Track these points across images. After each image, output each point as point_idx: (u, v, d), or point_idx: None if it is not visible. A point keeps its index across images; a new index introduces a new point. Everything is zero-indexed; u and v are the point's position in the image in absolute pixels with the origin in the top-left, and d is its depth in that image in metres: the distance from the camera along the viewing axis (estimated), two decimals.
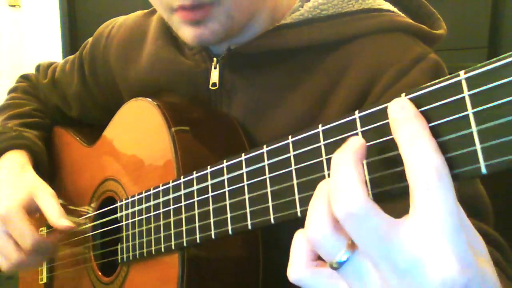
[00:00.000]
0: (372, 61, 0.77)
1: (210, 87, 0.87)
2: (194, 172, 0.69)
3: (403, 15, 0.83)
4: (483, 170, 0.36)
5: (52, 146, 1.16)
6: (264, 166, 0.56)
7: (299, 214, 0.52)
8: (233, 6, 0.75)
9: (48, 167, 1.11)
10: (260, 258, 0.78)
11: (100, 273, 0.94)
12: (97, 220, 0.97)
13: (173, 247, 0.72)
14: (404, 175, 0.39)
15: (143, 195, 0.80)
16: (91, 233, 0.97)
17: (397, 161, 0.42)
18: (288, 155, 0.53)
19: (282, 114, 0.81)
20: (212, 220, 0.65)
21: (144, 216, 0.79)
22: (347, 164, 0.41)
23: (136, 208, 0.81)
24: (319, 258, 0.44)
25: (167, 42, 0.94)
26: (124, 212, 0.85)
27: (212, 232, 0.65)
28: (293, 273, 0.46)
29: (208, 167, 0.66)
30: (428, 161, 0.38)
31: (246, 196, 0.59)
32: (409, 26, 0.80)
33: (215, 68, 0.87)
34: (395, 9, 0.83)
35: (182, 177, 0.71)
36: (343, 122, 0.48)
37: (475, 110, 0.36)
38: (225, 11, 0.75)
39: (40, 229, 1.07)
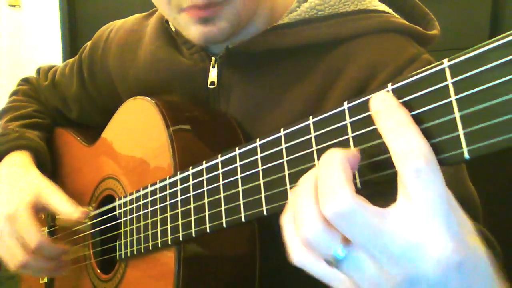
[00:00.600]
0: (368, 61, 0.78)
1: (208, 86, 0.88)
2: (190, 168, 0.69)
3: (397, 16, 0.84)
4: (466, 155, 0.37)
5: (53, 146, 1.17)
6: (257, 159, 0.57)
7: None
8: (242, 5, 0.76)
9: (50, 165, 1.12)
10: (256, 253, 0.78)
11: (99, 271, 0.95)
12: (96, 218, 0.97)
13: (169, 242, 0.73)
14: (390, 162, 0.40)
15: (141, 192, 0.80)
16: (91, 231, 0.98)
17: (384, 148, 0.42)
18: (280, 147, 0.54)
19: (280, 113, 0.82)
20: (207, 214, 0.66)
21: (142, 212, 0.80)
22: (335, 164, 0.42)
23: (134, 205, 0.82)
24: None
25: (166, 42, 0.95)
26: (122, 209, 0.86)
27: (207, 226, 0.66)
28: (294, 257, 0.47)
29: (204, 162, 0.67)
30: (415, 147, 0.39)
31: (240, 189, 0.60)
32: (404, 27, 0.81)
33: (213, 67, 0.88)
34: (390, 10, 0.84)
35: (178, 173, 0.72)
36: (332, 114, 0.48)
37: (458, 96, 0.37)
38: (234, 10, 0.76)
39: (42, 228, 1.07)
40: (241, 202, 0.60)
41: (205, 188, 0.66)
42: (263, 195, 0.56)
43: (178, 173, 0.72)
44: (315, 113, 0.80)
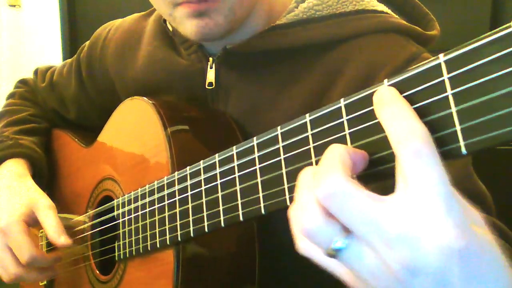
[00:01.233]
0: (367, 61, 0.78)
1: (206, 86, 0.88)
2: (188, 168, 0.69)
3: (396, 16, 0.84)
4: (463, 150, 0.37)
5: (51, 148, 1.17)
6: (254, 157, 0.57)
7: (288, 202, 0.53)
8: (236, 1, 0.76)
9: (47, 170, 1.11)
10: (256, 252, 0.78)
11: (98, 272, 0.95)
12: (95, 219, 0.97)
13: (168, 242, 0.73)
14: (386, 158, 0.40)
15: (139, 192, 0.80)
16: (89, 232, 0.98)
17: (381, 144, 0.43)
18: (277, 145, 0.54)
19: (278, 113, 0.82)
20: (205, 213, 0.65)
21: (140, 213, 0.80)
22: (333, 154, 0.42)
23: (133, 206, 0.82)
24: None
25: (164, 42, 0.95)
26: (120, 210, 0.86)
27: (205, 224, 0.65)
28: (299, 247, 0.46)
29: (201, 161, 0.67)
30: (414, 129, 0.38)
31: (238, 188, 0.60)
32: (403, 26, 0.81)
33: (211, 67, 0.88)
34: (389, 10, 0.84)
35: (176, 173, 0.72)
36: (329, 111, 0.48)
37: (454, 91, 0.37)
38: (229, 6, 0.76)
39: (40, 230, 1.07)
40: (239, 201, 0.59)
41: (203, 188, 0.66)
42: (260, 194, 0.56)
43: (176, 173, 0.72)
44: None
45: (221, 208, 0.62)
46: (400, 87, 0.41)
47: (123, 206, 0.85)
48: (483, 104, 0.35)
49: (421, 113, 0.39)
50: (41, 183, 1.03)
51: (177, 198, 0.71)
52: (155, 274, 0.78)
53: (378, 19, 0.81)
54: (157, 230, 0.75)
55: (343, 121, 0.47)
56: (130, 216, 0.82)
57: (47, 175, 1.10)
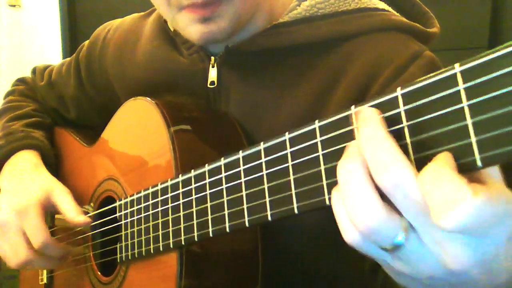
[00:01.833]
0: (370, 59, 0.78)
1: (208, 86, 0.88)
2: (192, 171, 0.69)
3: (397, 14, 0.84)
4: (479, 163, 0.36)
5: (53, 146, 1.16)
6: (261, 163, 0.57)
7: (295, 210, 0.52)
8: (242, 4, 0.76)
9: (55, 165, 1.12)
10: (259, 253, 0.78)
11: (99, 273, 0.94)
12: (96, 220, 0.96)
13: (171, 246, 0.72)
14: None
15: (142, 194, 0.80)
16: (91, 233, 0.97)
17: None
18: (285, 151, 0.53)
19: (281, 113, 0.81)
20: (210, 218, 0.65)
21: (142, 215, 0.79)
22: (382, 138, 0.41)
23: (135, 207, 0.81)
24: None
25: (164, 42, 0.95)
26: (123, 212, 0.85)
27: (210, 230, 0.65)
28: (347, 237, 0.45)
29: (206, 165, 0.66)
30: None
31: (244, 193, 0.59)
32: (405, 24, 0.81)
33: (213, 66, 0.87)
34: (390, 9, 0.84)
35: (180, 175, 0.71)
36: (339, 118, 0.48)
37: (470, 102, 0.36)
38: (234, 9, 0.76)
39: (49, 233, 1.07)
40: (245, 206, 0.59)
41: (208, 192, 0.65)
42: (267, 199, 0.56)
43: (180, 175, 0.71)
44: (317, 112, 0.81)
45: (226, 213, 0.62)
46: (414, 96, 0.41)
47: (126, 208, 0.84)
48: (500, 117, 0.34)
49: (436, 123, 0.39)
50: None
51: (181, 201, 0.70)
52: (158, 277, 0.78)
53: (380, 17, 0.81)
54: (160, 233, 0.74)
55: (353, 129, 0.46)
56: (133, 218, 0.82)
57: (55, 170, 1.10)
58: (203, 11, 0.75)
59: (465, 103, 0.37)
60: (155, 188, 0.76)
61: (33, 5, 2.78)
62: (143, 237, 0.79)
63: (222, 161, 0.63)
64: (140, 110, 0.88)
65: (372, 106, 0.44)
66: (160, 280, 0.77)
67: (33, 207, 0.92)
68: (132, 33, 1.03)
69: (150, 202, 0.77)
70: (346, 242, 0.45)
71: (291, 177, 0.53)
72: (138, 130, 0.88)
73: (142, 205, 0.79)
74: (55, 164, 1.11)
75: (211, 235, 0.65)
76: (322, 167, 0.49)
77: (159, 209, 0.75)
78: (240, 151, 0.60)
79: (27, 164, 1.01)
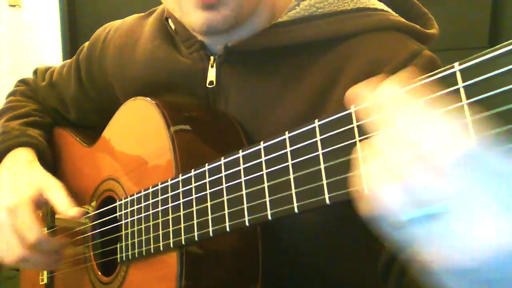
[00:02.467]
0: (369, 58, 0.78)
1: (207, 85, 0.88)
2: (192, 170, 0.69)
3: (396, 14, 0.84)
4: None
5: (52, 146, 1.16)
6: (261, 162, 0.57)
7: (296, 209, 0.52)
8: None
9: (52, 163, 1.12)
10: (259, 253, 0.78)
11: (99, 273, 0.94)
12: (96, 220, 0.96)
13: (171, 245, 0.72)
14: None
15: (142, 193, 0.80)
16: (91, 233, 0.97)
17: None
18: (285, 150, 0.54)
19: (281, 112, 0.82)
20: (210, 217, 0.65)
21: (143, 215, 0.79)
22: (433, 112, 0.38)
23: (135, 207, 0.81)
24: None
25: (165, 41, 0.95)
26: (123, 211, 0.85)
27: (210, 229, 0.65)
28: (386, 199, 0.40)
29: (206, 164, 0.66)
30: None
31: (244, 192, 0.59)
32: (403, 24, 0.82)
33: (212, 66, 0.87)
34: (389, 9, 0.84)
35: (180, 175, 0.71)
36: (338, 117, 0.48)
37: (470, 100, 0.37)
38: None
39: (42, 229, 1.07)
40: (245, 206, 0.59)
41: (208, 191, 0.65)
42: (267, 199, 0.56)
43: (180, 175, 0.71)
44: (317, 112, 0.81)
45: (226, 212, 0.62)
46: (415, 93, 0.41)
47: (126, 207, 0.84)
48: (500, 115, 0.35)
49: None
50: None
51: (181, 201, 0.70)
52: (158, 277, 0.78)
53: (379, 17, 0.81)
54: (160, 233, 0.74)
55: (353, 127, 0.46)
56: (133, 218, 0.82)
57: (52, 168, 1.10)
58: None
59: (464, 102, 0.37)
60: (155, 188, 0.76)
61: (33, 5, 2.78)
62: (143, 237, 0.79)
63: (222, 160, 0.63)
64: (140, 110, 0.88)
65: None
66: (160, 280, 0.77)
67: (25, 204, 0.92)
68: (132, 33, 1.03)
69: (150, 201, 0.77)
70: (379, 208, 0.41)
71: (291, 176, 0.53)
72: (138, 130, 0.88)
73: (142, 204, 0.79)
74: (52, 163, 1.11)
75: (211, 234, 0.65)
76: (322, 166, 0.49)
77: (159, 208, 0.75)
78: (240, 150, 0.60)
79: (20, 161, 1.02)
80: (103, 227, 0.95)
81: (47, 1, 2.58)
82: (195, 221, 0.68)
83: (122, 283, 0.86)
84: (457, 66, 0.37)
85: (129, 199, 0.84)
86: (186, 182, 0.70)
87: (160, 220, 0.75)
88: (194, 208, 0.68)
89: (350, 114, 0.47)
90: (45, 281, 1.10)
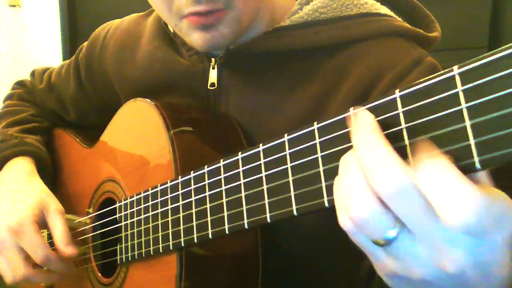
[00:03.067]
0: (371, 65, 0.78)
1: (208, 87, 0.87)
2: (192, 172, 0.69)
3: (399, 19, 0.84)
4: (478, 165, 0.36)
5: (52, 148, 1.16)
6: (260, 164, 0.57)
7: (295, 212, 0.52)
8: (243, 10, 0.76)
9: (52, 169, 1.11)
10: (259, 254, 0.78)
11: (99, 274, 0.94)
12: (96, 221, 0.96)
13: (171, 247, 0.72)
14: None
15: (142, 195, 0.80)
16: (91, 234, 0.97)
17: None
18: (284, 153, 0.53)
19: (281, 116, 0.81)
20: (209, 219, 0.65)
21: (142, 216, 0.79)
22: (377, 142, 0.41)
23: (135, 209, 0.81)
24: None
25: (164, 42, 0.95)
26: (123, 213, 0.85)
27: (210, 232, 0.65)
28: (341, 223, 0.45)
29: (206, 166, 0.66)
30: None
31: (243, 194, 0.59)
32: (406, 30, 0.81)
33: (213, 68, 0.87)
34: (392, 13, 0.84)
35: (179, 176, 0.71)
36: (337, 120, 0.48)
37: (469, 104, 0.36)
38: (236, 15, 0.75)
39: (41, 231, 1.07)
40: (244, 208, 0.59)
41: (207, 193, 0.65)
42: (266, 201, 0.56)
43: (180, 177, 0.71)
44: (317, 117, 0.80)
45: (225, 214, 0.62)
46: (412, 97, 0.41)
47: (126, 209, 0.84)
48: (499, 119, 0.34)
49: (434, 125, 0.39)
50: (46, 181, 1.02)
51: (180, 203, 0.70)
52: (158, 278, 0.78)
53: (382, 22, 0.81)
54: (160, 235, 0.74)
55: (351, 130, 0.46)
56: (133, 219, 0.82)
57: (51, 175, 1.09)
58: (205, 19, 0.74)
59: (463, 105, 0.37)
60: (155, 190, 0.76)
61: (33, 5, 2.78)
62: (143, 239, 0.79)
63: (221, 163, 0.63)
64: (140, 111, 0.88)
65: (371, 107, 0.44)
66: (160, 282, 0.77)
67: (28, 224, 0.90)
68: (132, 33, 1.02)
69: (150, 203, 0.77)
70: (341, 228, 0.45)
71: (290, 179, 0.53)
72: (138, 131, 0.88)
73: (142, 206, 0.79)
74: (52, 169, 1.10)
75: (210, 237, 0.65)
76: (321, 169, 0.49)
77: (159, 210, 0.75)
78: (239, 152, 0.60)
79: (19, 173, 1.00)
80: (103, 229, 0.95)
81: (47, 1, 2.58)
82: (194, 223, 0.68)
83: (122, 284, 0.86)
84: (456, 70, 0.37)
85: (128, 200, 0.84)
86: (185, 184, 0.69)
87: (159, 222, 0.74)
88: (194, 210, 0.68)
89: (348, 117, 0.47)
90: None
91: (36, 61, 2.48)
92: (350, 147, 0.46)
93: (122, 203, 0.86)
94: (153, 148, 0.82)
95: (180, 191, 0.70)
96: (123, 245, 0.84)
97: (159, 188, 0.75)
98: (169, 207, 0.72)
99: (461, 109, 0.37)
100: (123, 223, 0.85)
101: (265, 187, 0.56)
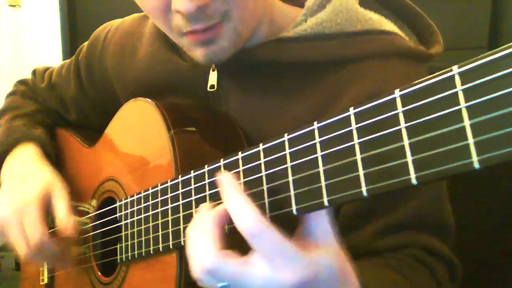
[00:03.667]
0: (369, 85, 0.78)
1: (208, 89, 0.88)
2: (192, 171, 0.69)
3: (403, 35, 0.84)
4: (476, 165, 0.36)
5: (53, 147, 1.16)
6: (260, 164, 0.57)
7: (294, 212, 0.53)
8: (240, 21, 0.76)
9: (55, 162, 1.11)
10: None
11: (99, 273, 0.94)
12: (97, 220, 0.97)
13: (171, 246, 0.72)
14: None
15: (142, 194, 0.80)
16: (91, 233, 0.97)
17: (392, 155, 0.42)
18: (284, 152, 0.54)
19: (279, 124, 0.81)
20: None
21: (142, 216, 0.79)
22: (203, 232, 0.57)
23: (135, 208, 0.81)
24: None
25: (165, 44, 0.95)
26: (123, 212, 0.85)
27: None
28: (192, 271, 0.58)
29: (206, 166, 0.66)
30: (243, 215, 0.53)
31: None
32: (407, 50, 0.81)
33: (213, 70, 0.87)
34: (396, 29, 0.84)
35: (180, 176, 0.71)
36: (338, 119, 0.48)
37: (468, 104, 0.37)
38: (234, 27, 0.75)
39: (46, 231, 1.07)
40: None
41: (207, 193, 0.65)
42: (266, 200, 0.56)
43: (180, 176, 0.71)
44: None
45: None
46: (412, 97, 0.41)
47: (126, 208, 0.84)
48: (498, 118, 0.34)
49: (433, 125, 0.39)
50: None
51: (180, 202, 0.70)
52: (158, 278, 0.78)
53: (386, 42, 0.81)
54: (160, 234, 0.74)
55: (352, 130, 0.46)
56: (133, 219, 0.82)
57: (54, 166, 1.10)
58: (204, 36, 0.75)
59: (463, 105, 0.37)
60: (155, 189, 0.76)
61: (33, 5, 2.78)
62: (143, 238, 0.79)
63: (222, 162, 0.63)
64: (141, 111, 0.88)
65: (370, 107, 0.45)
66: (160, 281, 0.77)
67: (33, 204, 0.93)
68: (133, 34, 1.02)
69: (150, 202, 0.77)
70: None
71: (290, 178, 0.53)
72: (138, 131, 0.88)
73: (142, 205, 0.79)
74: (55, 163, 1.11)
75: None
76: (321, 168, 0.49)
77: (159, 210, 0.75)
78: (239, 152, 0.60)
79: (28, 157, 1.02)
80: (103, 228, 0.95)
81: (47, 1, 2.58)
82: None
83: (121, 284, 0.86)
84: (456, 69, 0.37)
85: (129, 200, 0.84)
86: (186, 183, 0.70)
87: (159, 222, 0.75)
88: (194, 210, 0.68)
89: (349, 116, 0.47)
90: (46, 281, 1.10)
91: (36, 61, 2.48)
92: (350, 147, 0.46)
93: (123, 202, 0.86)
94: (153, 148, 0.82)
95: (180, 190, 0.70)
96: (123, 244, 0.84)
97: (159, 188, 0.75)
98: (169, 206, 0.72)
99: (460, 109, 0.37)
100: (123, 222, 0.85)
101: (265, 187, 0.56)
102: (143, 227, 0.79)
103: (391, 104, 0.43)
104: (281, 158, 0.54)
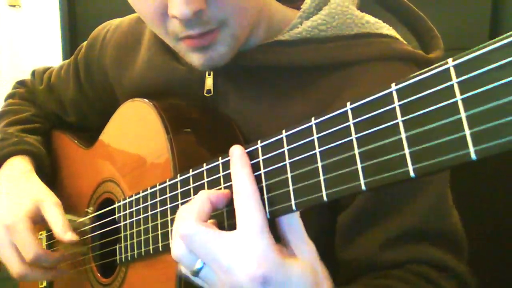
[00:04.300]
0: (367, 89, 0.76)
1: (204, 94, 0.87)
2: (190, 170, 0.69)
3: (400, 38, 0.83)
4: (473, 156, 0.36)
5: (51, 149, 1.16)
6: (259, 161, 0.57)
7: (293, 207, 0.53)
8: (238, 27, 0.75)
9: (50, 169, 1.11)
10: None
11: (99, 275, 0.94)
12: (95, 222, 0.96)
13: (171, 246, 0.72)
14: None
15: (140, 195, 0.80)
16: (90, 235, 0.97)
17: (389, 149, 0.42)
18: (282, 149, 0.54)
19: (274, 129, 0.81)
20: None
21: (141, 216, 0.79)
22: (196, 199, 0.60)
23: (134, 208, 0.81)
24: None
25: (162, 48, 0.94)
26: (122, 213, 0.85)
27: None
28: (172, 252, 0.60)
29: (204, 164, 0.66)
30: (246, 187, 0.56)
31: None
32: (405, 54, 0.80)
33: (209, 75, 0.87)
34: (393, 32, 0.83)
35: (178, 175, 0.71)
36: (335, 115, 0.48)
37: (464, 96, 0.37)
38: (231, 33, 0.75)
39: (40, 232, 1.07)
40: None
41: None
42: (265, 196, 0.56)
43: (178, 175, 0.71)
44: None
45: (224, 211, 0.62)
46: (408, 91, 0.41)
47: (124, 209, 0.84)
48: (494, 109, 0.34)
49: (430, 118, 0.39)
50: (44, 181, 1.02)
51: (179, 201, 0.70)
52: (158, 277, 0.78)
53: (382, 45, 0.80)
54: (159, 233, 0.74)
55: (349, 125, 0.46)
56: (132, 219, 0.82)
57: (49, 175, 1.10)
58: (200, 42, 0.74)
59: (458, 97, 0.37)
60: (154, 189, 0.76)
61: (33, 5, 2.79)
62: (142, 238, 0.79)
63: (220, 160, 0.63)
64: (138, 111, 0.88)
65: (367, 102, 0.45)
66: (160, 281, 0.77)
67: (22, 221, 0.91)
68: (132, 34, 1.02)
69: (149, 202, 0.77)
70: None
71: (289, 175, 0.53)
72: (136, 131, 0.88)
73: (141, 206, 0.79)
74: (50, 170, 1.11)
75: None
76: (319, 164, 0.49)
77: (158, 209, 0.75)
78: None
79: (17, 172, 1.00)
80: (102, 229, 0.95)
81: (47, 1, 2.59)
82: None
83: (121, 284, 0.86)
84: (451, 62, 0.37)
85: (127, 200, 0.84)
86: (184, 182, 0.70)
87: (158, 221, 0.74)
88: None
89: (346, 112, 0.47)
90: (44, 283, 1.10)
91: (36, 61, 2.48)
92: (348, 142, 0.47)
93: (121, 203, 0.86)
94: (151, 148, 0.82)
95: (179, 190, 0.70)
96: (123, 245, 0.84)
97: (158, 187, 0.75)
98: (168, 206, 0.72)
99: (456, 101, 0.37)
100: (122, 223, 0.85)
101: (264, 183, 0.56)
102: (142, 227, 0.79)
103: (388, 99, 0.43)
104: (280, 155, 0.54)
